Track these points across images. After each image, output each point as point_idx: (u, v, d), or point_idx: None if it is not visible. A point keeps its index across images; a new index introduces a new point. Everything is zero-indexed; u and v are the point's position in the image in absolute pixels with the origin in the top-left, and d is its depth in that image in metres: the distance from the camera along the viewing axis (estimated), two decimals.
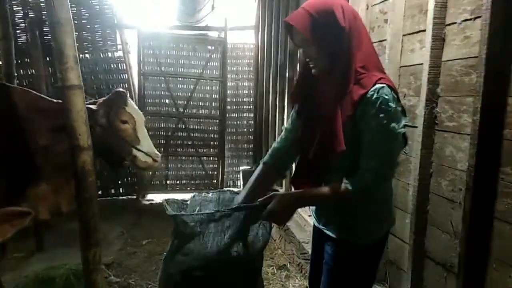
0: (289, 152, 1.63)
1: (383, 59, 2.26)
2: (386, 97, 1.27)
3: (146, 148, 2.76)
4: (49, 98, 2.79)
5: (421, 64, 1.92)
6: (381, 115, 1.27)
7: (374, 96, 1.27)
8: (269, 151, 1.72)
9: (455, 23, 1.74)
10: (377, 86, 1.28)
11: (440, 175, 1.83)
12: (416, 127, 1.94)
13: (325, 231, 1.54)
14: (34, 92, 2.89)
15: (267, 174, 1.68)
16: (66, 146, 2.46)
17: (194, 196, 2.04)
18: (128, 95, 2.85)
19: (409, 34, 2.08)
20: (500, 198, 1.49)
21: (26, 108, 2.59)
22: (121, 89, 2.80)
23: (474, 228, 1.56)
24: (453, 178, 1.75)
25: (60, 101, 2.58)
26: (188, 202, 1.86)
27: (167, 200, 1.76)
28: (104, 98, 2.77)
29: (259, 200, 1.49)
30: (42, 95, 2.85)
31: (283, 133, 1.68)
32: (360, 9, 2.50)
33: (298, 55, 3.77)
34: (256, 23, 5.64)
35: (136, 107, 2.83)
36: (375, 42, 2.44)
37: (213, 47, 5.58)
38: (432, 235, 1.89)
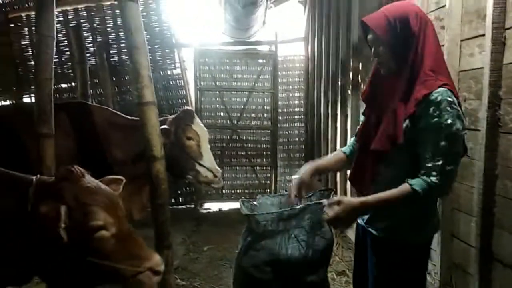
0: None
1: None
2: (450, 99, 1.34)
3: (208, 163, 2.95)
4: (123, 115, 3.09)
5: (481, 68, 1.94)
6: (446, 115, 1.33)
7: (439, 98, 1.34)
8: (348, 142, 1.87)
9: None
10: (441, 89, 1.36)
11: (506, 177, 1.83)
12: (479, 130, 1.96)
13: (368, 228, 1.62)
14: (110, 109, 3.22)
15: (338, 159, 1.83)
16: (138, 158, 2.72)
17: (259, 199, 2.19)
18: (194, 112, 3.08)
19: (468, 39, 2.10)
20: None
21: (104, 124, 2.90)
22: (189, 107, 3.04)
23: None
24: None
25: (133, 118, 2.86)
26: (257, 204, 2.01)
27: (242, 201, 1.92)
28: (173, 116, 3.01)
29: (325, 200, 1.59)
30: (117, 112, 3.16)
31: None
32: None
33: (351, 62, 3.84)
34: (306, 35, 5.78)
35: (201, 124, 3.04)
36: None
37: (264, 61, 5.78)
38: (499, 237, 1.89)
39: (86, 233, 1.35)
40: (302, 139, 6.11)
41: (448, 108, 1.33)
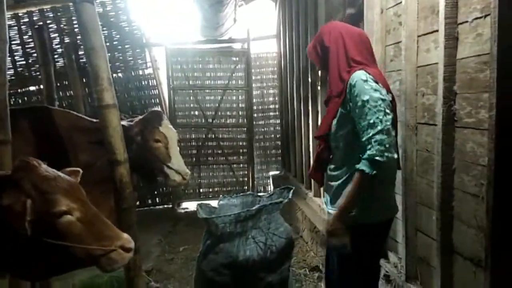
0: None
1: (400, 60, 2.31)
2: (363, 77, 1.66)
3: (176, 166, 2.89)
4: (88, 118, 3.02)
5: (437, 63, 1.95)
6: (362, 92, 1.63)
7: (354, 80, 1.67)
8: None
9: (466, 21, 1.78)
10: (356, 72, 1.70)
11: (463, 170, 1.86)
12: (436, 125, 1.98)
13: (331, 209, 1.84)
14: (75, 113, 3.13)
15: None
16: (103, 162, 2.66)
17: (220, 201, 2.17)
18: (164, 114, 3.02)
19: (424, 34, 2.12)
20: None
21: (68, 128, 2.82)
22: (156, 109, 2.97)
23: (498, 222, 1.58)
24: (475, 173, 1.77)
25: (97, 120, 2.79)
26: (217, 206, 2.00)
27: (200, 205, 1.90)
28: (140, 117, 2.95)
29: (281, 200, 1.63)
30: (81, 115, 3.08)
31: None
32: (375, 13, 2.56)
33: None
34: (278, 32, 5.77)
35: (170, 126, 2.98)
36: (391, 44, 2.49)
37: (237, 58, 5.75)
38: (459, 230, 1.91)
39: (51, 221, 1.37)
40: (278, 136, 6.12)
41: (363, 85, 1.64)
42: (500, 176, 1.56)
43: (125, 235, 1.52)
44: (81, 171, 1.76)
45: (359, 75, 1.67)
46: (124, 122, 2.79)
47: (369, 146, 1.59)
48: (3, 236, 1.35)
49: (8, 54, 2.35)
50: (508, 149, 1.54)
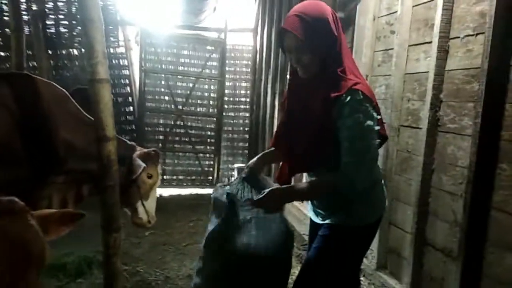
0: None
1: (390, 67, 2.49)
2: (359, 98, 1.41)
3: (149, 207, 2.87)
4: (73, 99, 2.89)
5: (426, 72, 2.15)
6: (356, 114, 1.41)
7: (348, 99, 1.41)
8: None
9: (458, 37, 1.98)
10: (351, 90, 1.42)
11: (442, 171, 2.07)
12: (420, 128, 2.17)
13: (322, 222, 1.65)
14: (56, 85, 3.00)
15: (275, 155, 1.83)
16: (86, 140, 2.59)
17: (219, 187, 2.15)
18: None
19: (415, 45, 2.31)
20: (497, 190, 1.73)
21: (50, 100, 2.71)
22: (158, 150, 2.92)
23: (473, 217, 1.80)
24: (454, 174, 1.98)
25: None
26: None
27: (220, 186, 1.91)
28: (145, 150, 2.87)
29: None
30: (65, 91, 2.95)
31: None
32: (367, 19, 2.72)
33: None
34: (255, 26, 5.83)
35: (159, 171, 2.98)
36: (381, 51, 2.67)
37: (212, 47, 5.74)
38: (432, 224, 2.13)
39: None
40: (246, 129, 6.19)
41: (357, 107, 1.41)
42: (479, 176, 1.77)
43: None
44: (84, 216, 1.58)
45: (355, 95, 1.42)
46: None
47: (348, 169, 1.44)
48: None
49: None
50: (488, 153, 1.75)
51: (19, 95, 2.57)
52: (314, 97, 1.49)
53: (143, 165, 2.74)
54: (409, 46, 2.36)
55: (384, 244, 2.49)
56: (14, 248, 1.11)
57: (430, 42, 2.12)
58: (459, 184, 1.92)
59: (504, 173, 1.70)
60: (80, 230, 3.37)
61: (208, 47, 5.76)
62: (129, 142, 2.86)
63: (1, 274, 1.04)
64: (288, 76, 1.68)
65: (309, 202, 1.76)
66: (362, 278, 2.59)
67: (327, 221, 1.64)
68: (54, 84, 2.94)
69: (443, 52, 2.05)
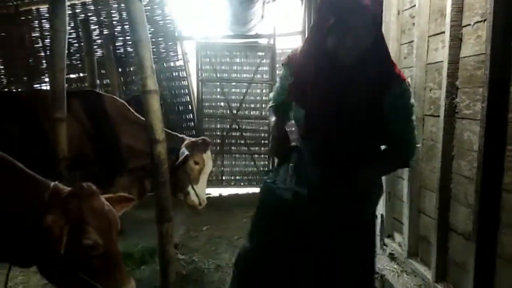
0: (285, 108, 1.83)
1: (412, 58, 2.55)
2: (408, 87, 1.62)
3: (199, 191, 3.26)
4: (130, 109, 3.36)
5: (443, 61, 2.19)
6: (410, 101, 1.60)
7: (405, 87, 1.57)
8: (270, 101, 1.94)
9: (469, 24, 2.01)
10: (402, 80, 1.57)
11: (460, 157, 2.10)
12: (439, 116, 2.22)
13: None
14: (116, 97, 3.51)
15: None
16: (143, 141, 3.01)
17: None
18: (210, 145, 3.40)
19: (433, 35, 2.36)
20: (506, 172, 1.75)
21: (112, 110, 3.19)
22: (207, 139, 3.33)
23: (485, 199, 1.83)
24: (470, 159, 2.01)
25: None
26: None
27: None
28: (192, 139, 3.31)
29: None
30: (124, 102, 3.44)
31: (274, 93, 1.92)
32: (392, 13, 2.80)
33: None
34: (303, 28, 6.01)
35: (211, 158, 3.37)
36: (406, 43, 2.73)
37: (263, 53, 6.03)
38: (455, 210, 2.16)
39: (77, 247, 1.51)
40: None
41: (410, 95, 1.62)
42: (488, 160, 1.80)
43: (131, 284, 1.64)
44: (135, 200, 1.99)
45: (407, 84, 1.61)
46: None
47: (412, 147, 1.65)
48: (39, 239, 1.51)
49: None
50: (496, 136, 1.77)
51: (88, 109, 3.09)
52: (357, 85, 1.50)
53: (187, 153, 3.12)
54: (429, 36, 2.41)
55: (414, 232, 2.54)
56: (106, 216, 1.60)
57: (445, 32, 2.17)
58: (474, 168, 1.95)
59: None
60: (145, 225, 3.90)
61: (259, 53, 6.06)
62: (179, 135, 3.24)
63: (105, 234, 1.54)
64: (300, 62, 1.62)
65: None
66: (395, 266, 2.66)
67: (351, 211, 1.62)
68: (115, 97, 3.46)
69: (457, 40, 2.09)
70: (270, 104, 1.94)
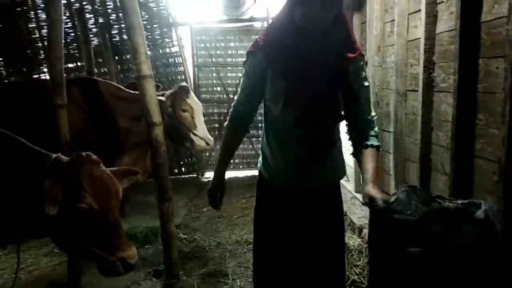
0: (252, 111, 1.95)
1: (394, 35, 2.65)
2: (365, 62, 1.68)
3: (201, 133, 3.42)
4: (126, 89, 3.50)
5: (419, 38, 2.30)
6: (367, 77, 1.68)
7: (363, 61, 1.64)
8: (233, 114, 1.93)
9: (443, 1, 2.11)
10: (362, 54, 1.64)
11: (438, 128, 2.23)
12: (417, 90, 2.34)
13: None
14: (114, 83, 3.63)
15: (239, 137, 2.01)
16: (140, 127, 3.14)
17: None
18: (190, 88, 3.52)
19: (412, 13, 2.46)
20: (477, 139, 1.88)
21: (110, 96, 3.32)
22: (184, 84, 3.46)
23: (459, 166, 1.96)
24: (446, 130, 2.14)
25: (135, 92, 3.27)
26: None
27: None
28: (170, 91, 3.44)
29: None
30: (120, 86, 3.57)
31: (242, 96, 1.90)
32: None
33: None
34: None
35: (196, 99, 3.48)
36: (389, 22, 2.83)
37: (257, 37, 6.08)
38: (434, 178, 2.30)
39: (73, 211, 1.58)
40: None
41: (365, 69, 1.68)
42: (461, 128, 1.93)
43: (131, 251, 1.65)
44: (139, 173, 2.09)
45: (364, 58, 1.67)
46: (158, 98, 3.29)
47: (373, 124, 1.67)
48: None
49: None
50: (467, 106, 1.90)
51: (86, 95, 3.22)
52: (326, 54, 1.57)
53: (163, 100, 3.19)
54: (409, 14, 2.50)
55: None
56: (105, 183, 1.68)
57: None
58: (448, 137, 2.08)
59: (481, 123, 1.84)
60: (147, 209, 4.05)
61: (253, 37, 6.10)
62: (163, 99, 3.31)
63: (102, 201, 1.61)
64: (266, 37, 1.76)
65: (288, 172, 1.80)
66: None
67: (322, 182, 1.77)
68: (109, 82, 3.58)
69: (432, 17, 2.19)
70: (229, 122, 1.91)
